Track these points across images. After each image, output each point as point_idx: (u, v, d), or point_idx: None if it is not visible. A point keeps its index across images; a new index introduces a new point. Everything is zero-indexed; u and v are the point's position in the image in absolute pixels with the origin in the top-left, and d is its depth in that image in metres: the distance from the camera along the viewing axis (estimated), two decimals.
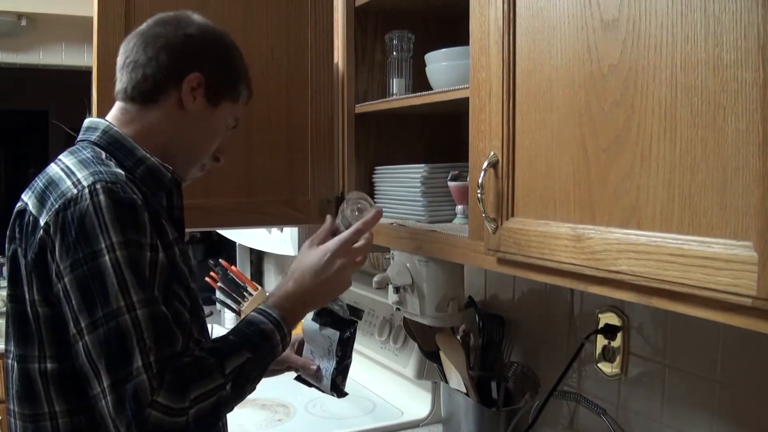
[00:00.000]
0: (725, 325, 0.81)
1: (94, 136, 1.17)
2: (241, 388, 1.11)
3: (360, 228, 1.28)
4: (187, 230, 1.28)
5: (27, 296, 1.07)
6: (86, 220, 1.01)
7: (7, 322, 1.13)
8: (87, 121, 1.21)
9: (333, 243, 1.27)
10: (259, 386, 1.18)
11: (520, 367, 1.68)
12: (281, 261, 3.26)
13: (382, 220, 1.61)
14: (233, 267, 3.06)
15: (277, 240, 2.35)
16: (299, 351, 1.50)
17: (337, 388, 1.43)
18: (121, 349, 0.99)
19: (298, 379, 1.50)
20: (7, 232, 1.13)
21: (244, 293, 2.87)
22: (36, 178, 1.15)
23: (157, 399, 0.99)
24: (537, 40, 1.06)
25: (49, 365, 1.06)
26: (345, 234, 1.28)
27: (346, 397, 1.46)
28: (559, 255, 1.02)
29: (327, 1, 1.68)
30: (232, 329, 1.17)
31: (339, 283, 1.27)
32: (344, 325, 1.42)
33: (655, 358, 1.39)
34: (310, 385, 1.50)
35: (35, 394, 1.07)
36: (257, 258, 3.50)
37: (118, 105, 1.21)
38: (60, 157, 1.16)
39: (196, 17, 1.23)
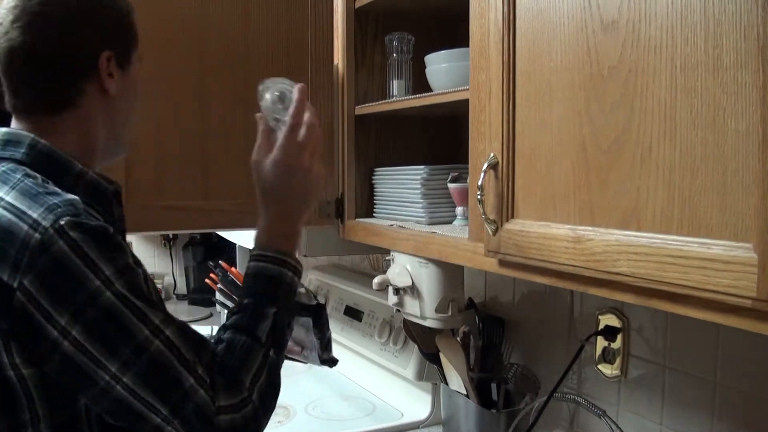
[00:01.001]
0: (725, 326, 0.81)
1: (19, 154, 1.02)
2: (283, 343, 1.09)
3: (294, 113, 1.16)
4: (186, 232, 1.27)
5: (5, 360, 0.92)
6: (68, 264, 0.90)
7: None
8: (3, 132, 1.05)
9: (278, 152, 1.15)
10: None
11: (520, 369, 1.68)
12: None
13: (383, 222, 1.62)
14: (233, 268, 3.04)
15: None
16: None
17: (327, 361, 1.43)
18: (166, 375, 0.94)
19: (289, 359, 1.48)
20: None
21: None
22: None
23: (220, 404, 0.97)
24: (537, 41, 1.06)
25: (43, 425, 0.95)
26: (283, 137, 1.15)
27: (336, 365, 1.45)
28: (559, 257, 1.02)
29: (327, 2, 1.68)
30: (243, 290, 1.11)
31: (311, 181, 1.17)
32: (313, 311, 1.41)
33: (655, 360, 1.39)
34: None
35: None
36: None
37: (25, 117, 1.06)
38: None
39: None
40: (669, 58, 0.84)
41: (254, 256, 1.14)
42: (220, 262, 2.99)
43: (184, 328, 0.99)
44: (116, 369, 0.92)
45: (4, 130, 1.06)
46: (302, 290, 1.41)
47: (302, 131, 1.16)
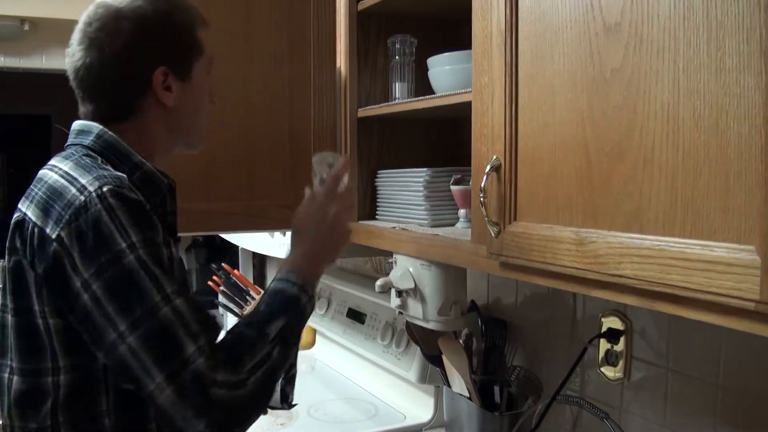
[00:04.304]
0: (728, 329, 0.81)
1: (87, 141, 1.15)
2: (287, 351, 1.13)
3: (334, 176, 1.29)
4: (189, 234, 1.29)
5: (36, 307, 1.05)
6: (101, 225, 1.00)
7: (2, 335, 1.11)
8: (78, 124, 1.19)
9: (309, 202, 1.29)
10: None
11: (522, 371, 1.68)
12: None
13: (385, 224, 1.62)
14: (236, 271, 3.06)
15: (280, 244, 2.35)
16: None
17: (287, 399, 1.44)
18: (170, 341, 0.99)
19: None
20: (7, 244, 1.09)
21: (247, 297, 2.86)
22: (32, 186, 1.12)
23: (217, 377, 1.00)
24: (539, 44, 1.06)
25: (62, 377, 1.05)
26: (323, 188, 1.29)
27: (295, 406, 1.48)
28: (561, 259, 1.02)
29: (329, 5, 1.68)
30: (260, 302, 1.18)
31: (338, 232, 1.28)
32: None
33: (658, 362, 1.39)
34: None
35: (45, 407, 1.06)
36: (260, 262, 3.50)
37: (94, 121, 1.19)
38: (53, 162, 1.13)
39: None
40: (672, 61, 0.84)
41: (277, 279, 1.21)
42: (222, 264, 3.00)
43: (195, 303, 1.06)
44: (124, 328, 0.99)
45: (79, 122, 1.19)
46: None
47: (341, 187, 1.29)
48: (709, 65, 0.79)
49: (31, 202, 1.09)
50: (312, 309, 1.21)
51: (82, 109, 1.20)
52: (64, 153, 1.15)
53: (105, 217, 1.00)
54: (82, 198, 1.02)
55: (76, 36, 1.17)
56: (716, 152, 0.79)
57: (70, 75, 1.19)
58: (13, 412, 1.08)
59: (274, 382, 1.12)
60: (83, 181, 1.04)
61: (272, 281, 1.21)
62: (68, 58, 1.19)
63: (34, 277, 1.04)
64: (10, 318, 1.09)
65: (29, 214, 1.07)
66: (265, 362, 1.08)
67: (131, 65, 1.15)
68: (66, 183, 1.06)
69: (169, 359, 0.99)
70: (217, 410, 1.00)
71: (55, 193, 1.05)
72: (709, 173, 0.80)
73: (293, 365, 1.42)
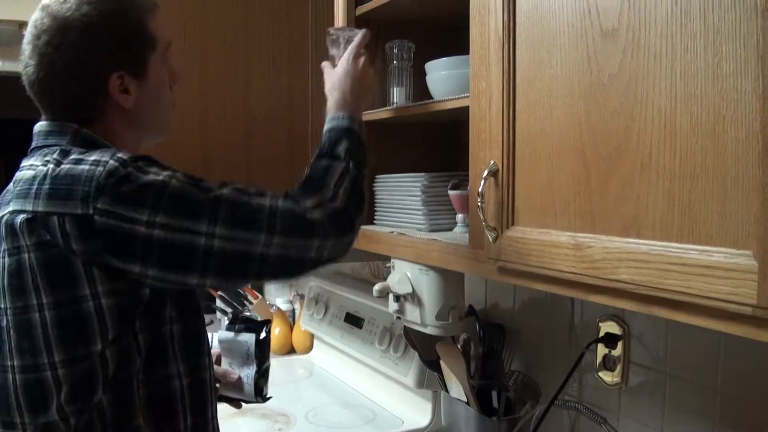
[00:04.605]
0: (726, 334, 0.81)
1: (64, 142, 1.11)
2: (359, 168, 1.25)
3: (357, 43, 1.43)
4: None
5: (86, 292, 1.02)
6: (134, 178, 1.02)
7: (25, 332, 1.04)
8: (46, 125, 1.15)
9: (347, 53, 1.41)
10: None
11: (520, 376, 1.68)
12: None
13: (383, 229, 1.62)
14: None
15: None
16: (218, 364, 1.51)
17: (261, 392, 1.45)
18: (246, 207, 1.07)
19: (220, 398, 1.49)
20: (9, 245, 1.05)
21: (244, 302, 2.86)
22: (26, 186, 1.06)
23: (306, 204, 1.12)
24: (537, 49, 1.06)
25: (109, 354, 1.05)
26: (348, 51, 1.42)
27: (270, 400, 1.50)
28: (559, 264, 1.02)
29: (328, 10, 1.68)
30: (320, 142, 1.29)
31: (368, 80, 1.43)
32: (258, 327, 1.44)
33: (655, 367, 1.38)
34: (231, 400, 1.51)
35: (97, 394, 1.05)
36: None
37: None
38: (33, 162, 1.10)
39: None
40: (669, 66, 0.84)
41: (327, 121, 1.33)
42: None
43: (241, 184, 1.12)
44: (206, 227, 1.04)
45: (43, 122, 1.16)
46: (248, 313, 1.46)
47: (360, 52, 1.43)
48: (706, 70, 0.80)
49: (29, 197, 1.04)
50: (363, 139, 1.33)
51: (44, 116, 1.18)
52: (40, 152, 1.11)
53: (134, 171, 1.03)
54: (101, 168, 1.02)
55: (27, 48, 1.15)
56: (713, 157, 0.79)
57: (26, 86, 1.17)
58: (66, 398, 1.05)
59: (360, 190, 1.24)
60: (93, 158, 1.04)
61: (324, 130, 1.32)
62: (22, 66, 1.16)
63: (81, 262, 1.02)
64: (47, 313, 1.03)
65: (38, 209, 1.03)
66: (346, 175, 1.21)
67: (85, 76, 1.13)
68: (74, 165, 1.04)
69: (257, 221, 1.07)
70: (323, 228, 1.12)
71: (66, 179, 1.03)
72: (706, 178, 0.81)
73: (267, 359, 1.47)
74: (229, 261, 1.06)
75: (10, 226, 1.05)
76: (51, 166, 1.06)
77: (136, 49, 1.17)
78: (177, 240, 1.03)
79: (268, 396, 1.47)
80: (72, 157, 1.06)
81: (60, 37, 1.11)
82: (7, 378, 1.06)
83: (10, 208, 1.06)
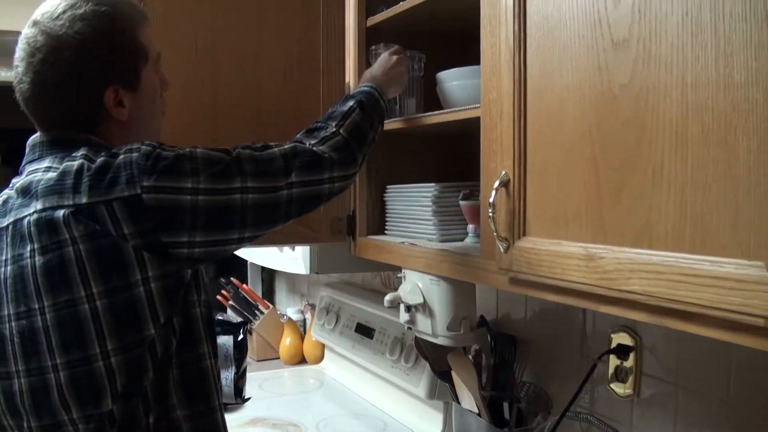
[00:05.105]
0: (738, 345, 0.80)
1: (80, 146, 1.12)
2: (367, 116, 1.36)
3: (397, 48, 1.59)
4: None
5: (138, 278, 1.05)
6: (168, 155, 1.09)
7: (61, 328, 1.04)
8: (50, 135, 1.17)
9: (385, 52, 1.57)
10: (269, 405, 1.19)
11: (532, 387, 1.67)
12: (293, 279, 3.26)
13: (394, 239, 1.62)
14: (244, 285, 3.06)
15: (289, 258, 2.35)
16: None
17: (240, 393, 1.46)
18: (265, 156, 1.18)
19: None
20: (46, 242, 1.04)
21: (256, 311, 2.87)
22: (55, 183, 1.07)
23: (310, 142, 1.25)
24: (548, 60, 1.06)
25: (157, 343, 1.08)
26: (384, 54, 1.57)
27: (249, 401, 1.49)
28: (570, 274, 1.01)
29: (339, 21, 1.69)
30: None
31: (399, 72, 1.55)
32: (236, 329, 1.46)
33: (667, 379, 1.38)
34: None
35: (146, 379, 1.08)
36: (268, 276, 3.50)
37: None
38: (45, 164, 1.11)
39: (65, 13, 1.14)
40: (680, 76, 0.84)
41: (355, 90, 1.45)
42: (231, 279, 3.01)
43: (243, 144, 1.21)
44: (240, 183, 1.13)
45: (42, 134, 1.18)
46: (220, 317, 1.47)
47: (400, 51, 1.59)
48: (718, 81, 0.79)
49: (65, 193, 1.05)
50: (387, 109, 1.46)
51: (40, 129, 1.19)
52: (51, 157, 1.13)
53: (164, 150, 1.09)
54: (136, 154, 1.08)
55: (21, 64, 1.15)
56: (725, 168, 0.79)
57: (20, 101, 1.18)
58: (121, 386, 1.06)
59: (362, 131, 1.34)
60: (124, 149, 1.09)
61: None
62: (16, 81, 1.17)
63: (132, 247, 1.04)
64: (98, 303, 1.04)
65: (81, 201, 1.04)
66: (348, 117, 1.33)
67: (81, 91, 1.15)
68: (108, 158, 1.08)
69: (275, 166, 1.17)
70: (329, 158, 1.24)
71: (103, 168, 1.06)
72: (718, 189, 0.80)
73: (245, 359, 1.54)
74: (263, 210, 1.16)
75: (48, 223, 1.04)
76: (82, 161, 1.08)
77: (129, 62, 1.19)
78: (219, 201, 1.10)
79: (247, 397, 1.48)
80: (102, 153, 1.09)
81: (55, 55, 1.12)
82: (48, 379, 1.05)
83: (38, 207, 1.06)
